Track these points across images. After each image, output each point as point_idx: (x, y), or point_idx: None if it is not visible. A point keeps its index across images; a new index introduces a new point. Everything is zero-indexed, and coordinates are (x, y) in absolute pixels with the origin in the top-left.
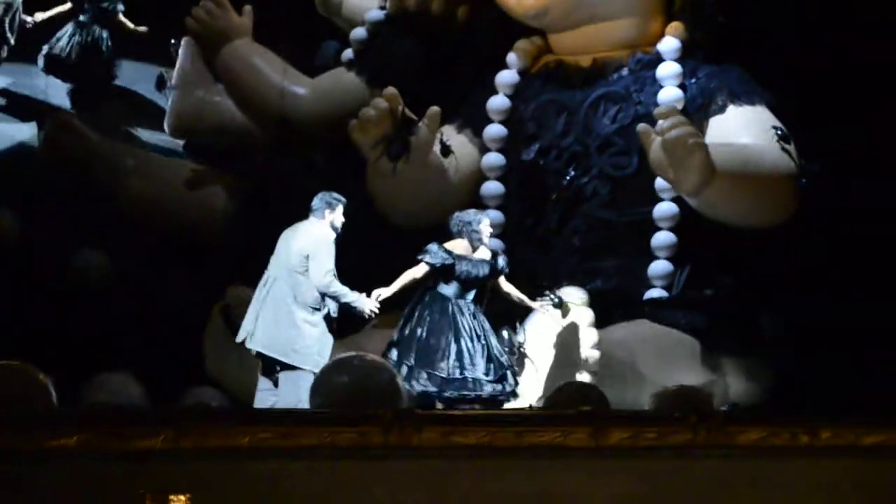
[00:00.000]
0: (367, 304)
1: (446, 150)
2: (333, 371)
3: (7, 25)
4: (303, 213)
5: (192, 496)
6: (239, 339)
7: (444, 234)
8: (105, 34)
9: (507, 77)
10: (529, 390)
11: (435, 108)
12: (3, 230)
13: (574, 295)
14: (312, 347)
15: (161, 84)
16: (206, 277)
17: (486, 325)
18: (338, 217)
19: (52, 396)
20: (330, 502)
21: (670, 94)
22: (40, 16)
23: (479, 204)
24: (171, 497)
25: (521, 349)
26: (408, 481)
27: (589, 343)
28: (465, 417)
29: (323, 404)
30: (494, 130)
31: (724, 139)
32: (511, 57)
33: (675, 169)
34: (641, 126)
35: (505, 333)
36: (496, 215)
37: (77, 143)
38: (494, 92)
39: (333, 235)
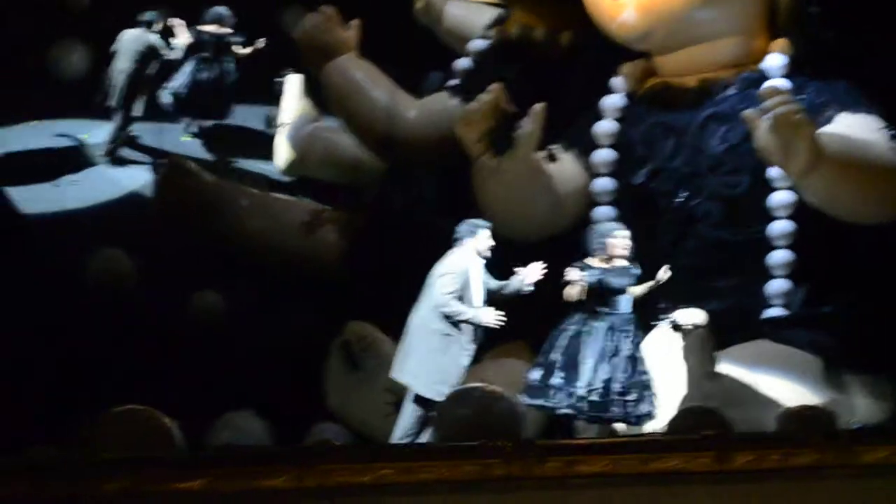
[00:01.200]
0: (486, 316)
1: (552, 157)
2: (453, 403)
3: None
4: (417, 244)
5: None
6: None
7: (555, 250)
8: (229, 69)
9: (613, 101)
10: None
11: (540, 104)
12: (121, 274)
13: (691, 316)
14: (434, 375)
15: (270, 122)
16: (324, 314)
17: (634, 342)
18: (482, 243)
19: (177, 439)
20: None
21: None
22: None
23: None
24: None
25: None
26: None
27: (708, 365)
28: (588, 446)
29: (444, 437)
30: (603, 155)
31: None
32: (616, 81)
33: (782, 150)
34: (748, 112)
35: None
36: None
37: (191, 185)
38: (600, 116)
39: (469, 262)
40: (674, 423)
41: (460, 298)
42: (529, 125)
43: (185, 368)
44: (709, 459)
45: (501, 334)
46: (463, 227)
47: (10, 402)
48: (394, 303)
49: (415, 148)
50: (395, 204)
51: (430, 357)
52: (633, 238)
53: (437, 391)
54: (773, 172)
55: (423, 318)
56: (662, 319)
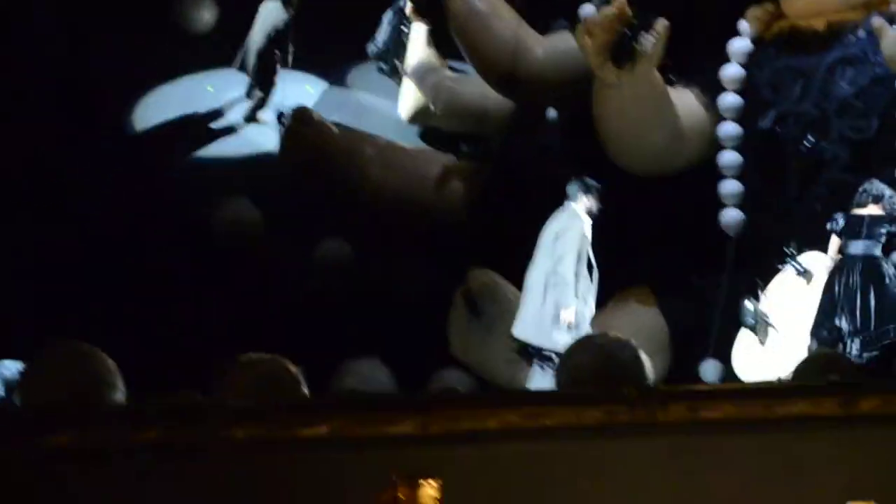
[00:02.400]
0: (567, 315)
1: (671, 83)
2: (577, 350)
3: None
4: (542, 195)
5: (443, 480)
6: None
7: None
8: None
9: (740, 45)
10: (776, 360)
11: (664, 21)
12: (248, 224)
13: (818, 261)
14: (555, 327)
15: (395, 71)
16: (449, 262)
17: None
18: (594, 202)
19: (303, 386)
20: (576, 482)
21: None
22: None
23: (715, 171)
24: (422, 482)
25: (766, 319)
26: (655, 458)
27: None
28: (712, 392)
29: (567, 385)
30: (730, 100)
31: None
32: (743, 24)
33: None
34: (876, 18)
35: (749, 304)
36: (735, 185)
37: (316, 135)
38: (727, 61)
39: (584, 221)
40: (800, 369)
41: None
42: (652, 40)
43: (310, 316)
44: (834, 405)
45: (625, 280)
46: (575, 185)
47: (142, 349)
48: (516, 251)
49: (540, 86)
50: (519, 154)
51: (550, 311)
52: (761, 184)
53: (560, 342)
54: None
55: (540, 274)
56: (790, 264)
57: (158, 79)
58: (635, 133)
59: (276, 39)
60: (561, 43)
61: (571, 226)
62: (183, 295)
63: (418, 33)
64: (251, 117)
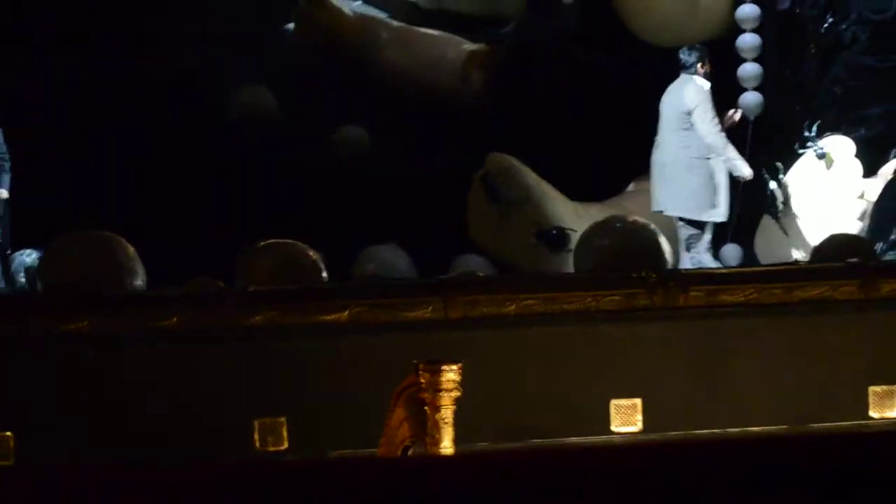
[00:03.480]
0: (746, 169)
1: None
2: (595, 234)
3: None
4: (558, 76)
5: (463, 364)
6: (653, 209)
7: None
8: None
9: None
10: (797, 243)
11: None
12: (263, 109)
13: (838, 144)
14: (707, 199)
15: None
16: (466, 145)
17: None
18: (707, 67)
19: (323, 271)
20: (597, 364)
21: None
22: None
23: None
24: (443, 366)
25: (787, 202)
26: (675, 341)
27: (856, 193)
28: (731, 275)
29: (586, 268)
30: None
31: None
32: None
33: None
34: None
35: (772, 185)
36: (754, 68)
37: (329, 18)
38: None
39: (709, 85)
40: (819, 251)
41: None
42: None
43: (329, 202)
44: (854, 287)
45: (644, 164)
46: (691, 54)
47: (162, 236)
48: (535, 134)
49: None
50: (536, 35)
51: (697, 183)
52: (779, 67)
53: (712, 214)
54: None
55: (678, 149)
56: (809, 147)
57: None
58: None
59: None
60: None
61: (701, 100)
62: (201, 182)
63: None
64: None
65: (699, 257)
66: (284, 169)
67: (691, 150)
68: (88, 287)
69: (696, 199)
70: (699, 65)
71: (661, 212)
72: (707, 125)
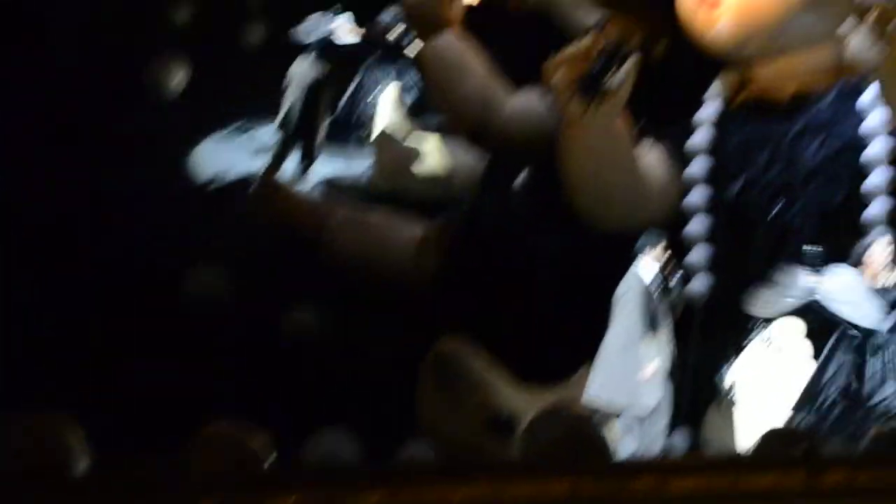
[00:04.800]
0: (647, 370)
1: (642, 133)
2: (543, 421)
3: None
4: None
5: None
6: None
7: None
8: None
9: (707, 111)
10: (745, 431)
11: (633, 61)
12: (214, 291)
13: (789, 327)
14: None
15: (365, 137)
16: (416, 329)
17: None
18: (660, 254)
19: (270, 457)
20: None
21: (876, 119)
22: None
23: (682, 239)
24: None
25: (735, 389)
26: None
27: (807, 377)
28: (679, 464)
29: (532, 456)
30: (698, 166)
31: None
32: (711, 91)
33: (868, 38)
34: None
35: (719, 374)
36: (703, 252)
37: (282, 202)
38: (694, 126)
39: (649, 275)
40: (766, 440)
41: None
42: (620, 78)
43: (277, 385)
44: (801, 478)
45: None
46: (640, 240)
47: (108, 415)
48: (486, 319)
49: (509, 141)
50: (488, 219)
51: (629, 370)
52: (727, 251)
53: (644, 400)
54: (871, 184)
55: (614, 335)
56: (758, 333)
57: None
58: (600, 174)
59: (313, 96)
60: (532, 99)
61: (630, 287)
62: (150, 361)
63: (387, 95)
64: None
65: (647, 443)
66: (234, 350)
67: (623, 337)
68: (30, 474)
69: (623, 384)
70: (648, 251)
71: (596, 398)
72: (626, 311)
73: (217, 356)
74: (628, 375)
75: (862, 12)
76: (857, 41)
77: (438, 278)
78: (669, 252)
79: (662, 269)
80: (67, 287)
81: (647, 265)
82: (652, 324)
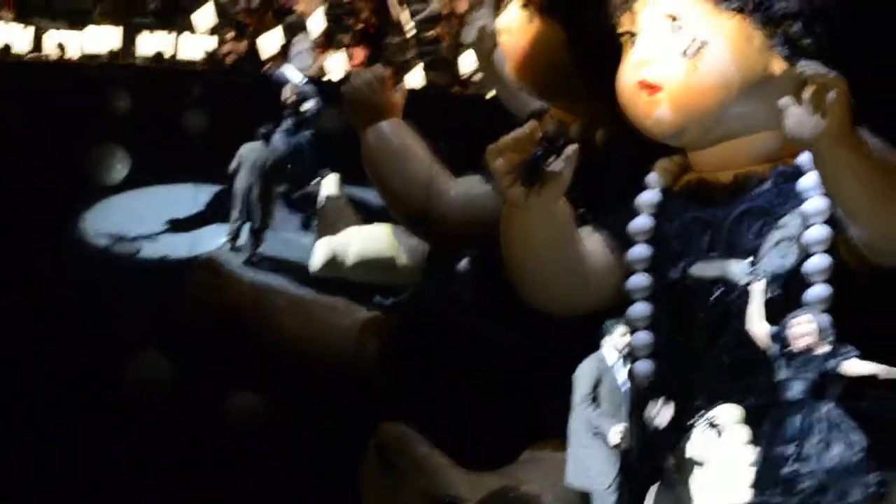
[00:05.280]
0: (612, 433)
1: (583, 219)
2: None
3: None
4: (454, 346)
5: None
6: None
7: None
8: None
9: (648, 197)
10: None
11: (574, 146)
12: (156, 373)
13: (729, 413)
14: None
15: (306, 224)
16: (360, 415)
17: None
18: (619, 340)
19: None
20: None
21: (814, 205)
22: None
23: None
24: None
25: (676, 472)
26: None
27: (746, 462)
28: None
29: None
30: (639, 251)
31: None
32: (651, 176)
33: (806, 112)
34: (782, 100)
35: (661, 453)
36: (645, 336)
37: (224, 286)
38: (635, 212)
39: (604, 362)
40: None
41: (594, 399)
42: (561, 164)
43: (220, 470)
44: None
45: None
46: (604, 326)
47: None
48: (430, 404)
49: (451, 229)
50: (431, 305)
51: (587, 454)
52: (669, 334)
53: (599, 483)
54: (810, 267)
55: (573, 419)
56: (699, 418)
57: None
58: (542, 259)
59: (264, 179)
60: (474, 185)
61: (581, 372)
62: (90, 448)
63: (330, 182)
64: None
65: None
66: (175, 436)
67: (578, 422)
68: None
69: (592, 467)
70: (607, 338)
71: (571, 484)
72: (576, 396)
73: (159, 443)
74: (601, 457)
75: (798, 87)
76: (795, 116)
77: (381, 362)
78: (627, 335)
79: (622, 351)
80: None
81: (609, 348)
82: (614, 405)
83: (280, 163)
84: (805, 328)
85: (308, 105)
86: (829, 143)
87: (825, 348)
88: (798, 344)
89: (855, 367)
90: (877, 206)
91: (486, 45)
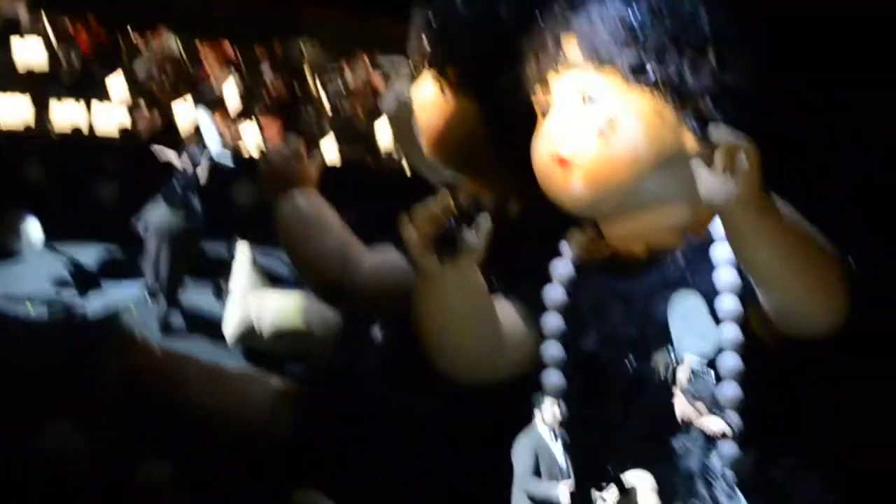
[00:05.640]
0: (562, 495)
1: (497, 289)
2: None
3: None
4: (365, 416)
5: None
6: None
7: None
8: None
9: (561, 268)
10: None
11: (487, 216)
12: (64, 444)
13: (640, 480)
14: None
15: (219, 292)
16: (271, 483)
17: None
18: (548, 413)
19: None
20: None
21: (726, 275)
22: None
23: (538, 391)
24: None
25: None
26: None
27: None
28: None
29: None
30: (552, 321)
31: None
32: (565, 248)
33: (718, 176)
34: (695, 165)
35: None
36: (559, 406)
37: (136, 356)
38: (550, 283)
39: (538, 434)
40: None
41: (537, 471)
42: (475, 236)
43: None
44: None
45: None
46: (535, 398)
47: None
48: (342, 474)
49: (365, 299)
50: (345, 375)
51: None
52: (582, 405)
53: None
54: (722, 339)
55: (516, 495)
56: (610, 484)
57: None
58: (456, 328)
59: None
60: (388, 255)
61: (519, 447)
62: None
63: (242, 252)
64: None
65: None
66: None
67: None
68: None
69: None
70: (538, 411)
71: None
72: (516, 469)
73: None
74: None
75: (710, 152)
76: (707, 180)
77: (295, 433)
78: (557, 406)
79: (552, 423)
80: None
81: (540, 420)
82: (553, 476)
83: (190, 228)
84: (719, 426)
85: (219, 172)
86: (740, 206)
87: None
88: (713, 431)
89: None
90: (787, 272)
91: (401, 115)
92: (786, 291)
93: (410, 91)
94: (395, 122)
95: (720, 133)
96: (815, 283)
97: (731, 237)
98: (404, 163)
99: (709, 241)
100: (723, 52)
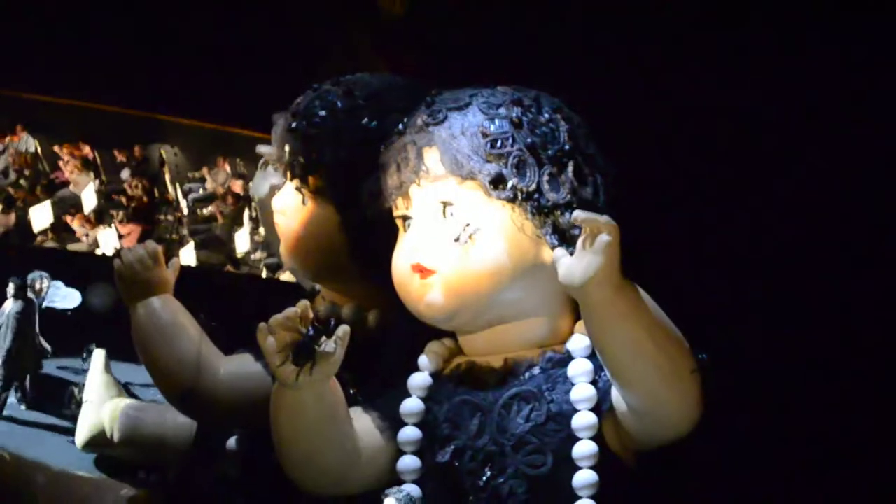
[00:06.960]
0: None
1: (354, 399)
2: None
3: None
4: None
5: None
6: None
7: None
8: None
9: (419, 380)
10: None
11: (346, 327)
12: None
13: None
14: None
15: (70, 399)
16: None
17: None
18: None
19: None
20: None
21: (582, 391)
22: None
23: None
24: None
25: None
26: None
27: None
28: None
29: None
30: (409, 433)
31: None
32: (422, 359)
33: (578, 257)
34: (557, 250)
35: None
36: None
37: None
38: (407, 394)
39: None
40: None
41: None
42: (332, 344)
43: None
44: None
45: None
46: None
47: None
48: None
49: (221, 407)
50: (198, 483)
51: None
52: None
53: None
54: (577, 453)
55: None
56: None
57: None
58: (310, 439)
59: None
60: (245, 363)
61: None
62: None
63: (97, 358)
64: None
65: None
66: None
67: None
68: None
69: None
70: None
71: None
72: None
73: None
74: None
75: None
76: (566, 263)
77: None
78: None
79: None
80: None
81: None
82: None
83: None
84: None
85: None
86: (598, 284)
87: None
88: None
89: None
90: (643, 356)
91: (271, 200)
92: (641, 377)
93: (278, 180)
94: (264, 207)
95: (583, 213)
96: (669, 369)
97: (588, 319)
98: (264, 271)
99: (567, 355)
100: (581, 167)
